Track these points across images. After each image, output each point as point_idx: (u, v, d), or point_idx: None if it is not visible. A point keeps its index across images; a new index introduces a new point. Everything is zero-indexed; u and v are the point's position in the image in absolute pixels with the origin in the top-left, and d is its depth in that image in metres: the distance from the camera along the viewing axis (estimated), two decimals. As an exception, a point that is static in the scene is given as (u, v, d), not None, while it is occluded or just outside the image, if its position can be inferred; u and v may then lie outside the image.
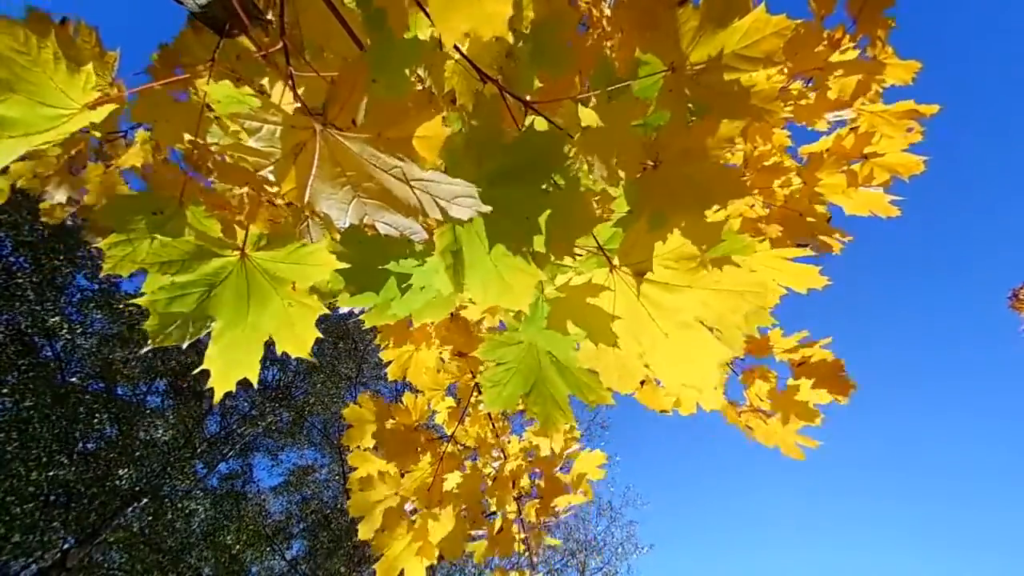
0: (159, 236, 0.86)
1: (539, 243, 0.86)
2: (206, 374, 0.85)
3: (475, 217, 0.85)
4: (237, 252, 0.81)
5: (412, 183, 0.75)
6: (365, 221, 0.76)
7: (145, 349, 0.84)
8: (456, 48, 0.97)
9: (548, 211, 0.82)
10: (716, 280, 0.89)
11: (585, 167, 0.96)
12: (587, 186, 0.97)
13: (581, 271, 1.02)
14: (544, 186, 0.81)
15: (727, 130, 0.93)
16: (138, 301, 0.78)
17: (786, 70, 1.70)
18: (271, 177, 0.72)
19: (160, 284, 0.79)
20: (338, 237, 1.01)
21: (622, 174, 0.96)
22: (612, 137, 0.91)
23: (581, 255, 0.99)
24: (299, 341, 0.85)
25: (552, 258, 0.95)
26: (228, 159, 1.43)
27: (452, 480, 2.02)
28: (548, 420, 1.17)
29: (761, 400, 1.95)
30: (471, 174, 0.81)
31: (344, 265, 0.82)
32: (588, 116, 1.02)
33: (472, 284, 0.92)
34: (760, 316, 0.89)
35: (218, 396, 0.84)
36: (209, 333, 0.84)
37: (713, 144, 0.91)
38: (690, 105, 0.97)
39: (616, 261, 0.95)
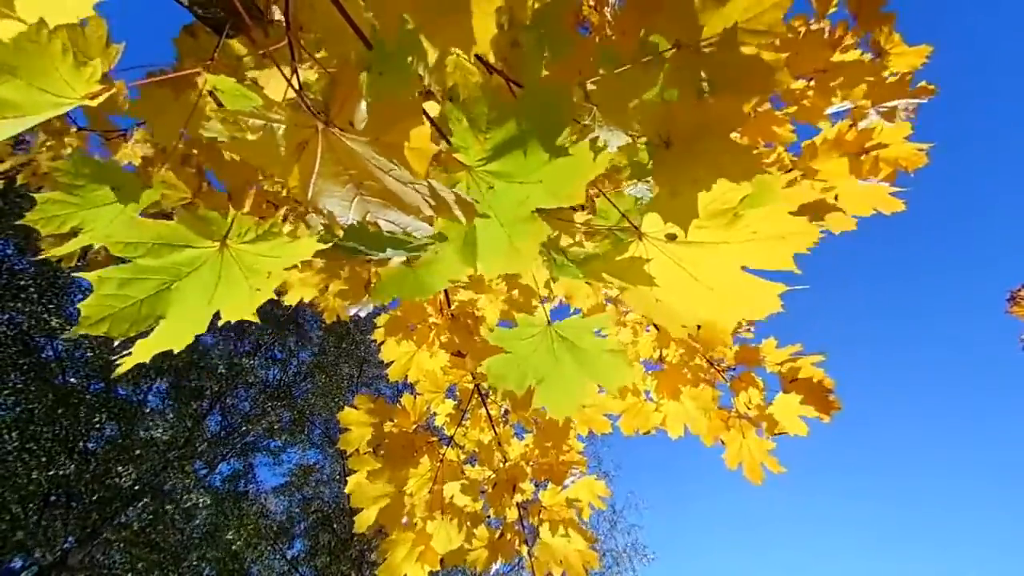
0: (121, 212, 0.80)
1: (553, 198, 0.84)
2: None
3: (486, 195, 0.83)
4: (216, 244, 0.76)
5: (409, 185, 0.75)
6: (368, 219, 0.76)
7: (67, 334, 0.76)
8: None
9: (562, 165, 0.80)
10: (753, 231, 0.87)
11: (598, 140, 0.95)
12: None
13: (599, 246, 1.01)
14: (555, 143, 0.78)
15: (735, 106, 0.92)
16: (86, 275, 0.69)
17: (787, 69, 1.68)
18: (275, 174, 0.71)
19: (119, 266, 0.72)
20: (341, 233, 1.01)
21: (637, 142, 0.95)
22: (623, 108, 0.91)
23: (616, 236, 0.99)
24: (248, 309, 0.81)
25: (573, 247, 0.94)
26: (229, 156, 1.43)
27: (452, 487, 2.01)
28: (559, 406, 1.14)
29: (748, 408, 1.97)
30: (480, 151, 0.80)
31: (326, 246, 0.80)
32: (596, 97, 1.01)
33: (483, 256, 0.91)
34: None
35: (127, 367, 0.75)
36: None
37: (722, 122, 0.90)
38: (700, 83, 0.97)
39: (644, 230, 0.94)
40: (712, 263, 0.93)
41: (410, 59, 0.87)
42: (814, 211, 1.63)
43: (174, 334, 0.79)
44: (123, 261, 0.72)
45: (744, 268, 0.93)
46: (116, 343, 0.75)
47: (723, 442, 2.00)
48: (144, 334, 0.76)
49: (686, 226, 0.88)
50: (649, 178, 1.03)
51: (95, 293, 0.70)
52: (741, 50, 0.95)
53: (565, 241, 1.16)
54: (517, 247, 0.89)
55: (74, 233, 0.81)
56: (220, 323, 0.82)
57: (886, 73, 1.70)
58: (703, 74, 0.98)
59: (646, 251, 0.95)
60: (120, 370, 0.76)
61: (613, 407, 2.13)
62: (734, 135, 0.93)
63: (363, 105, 0.81)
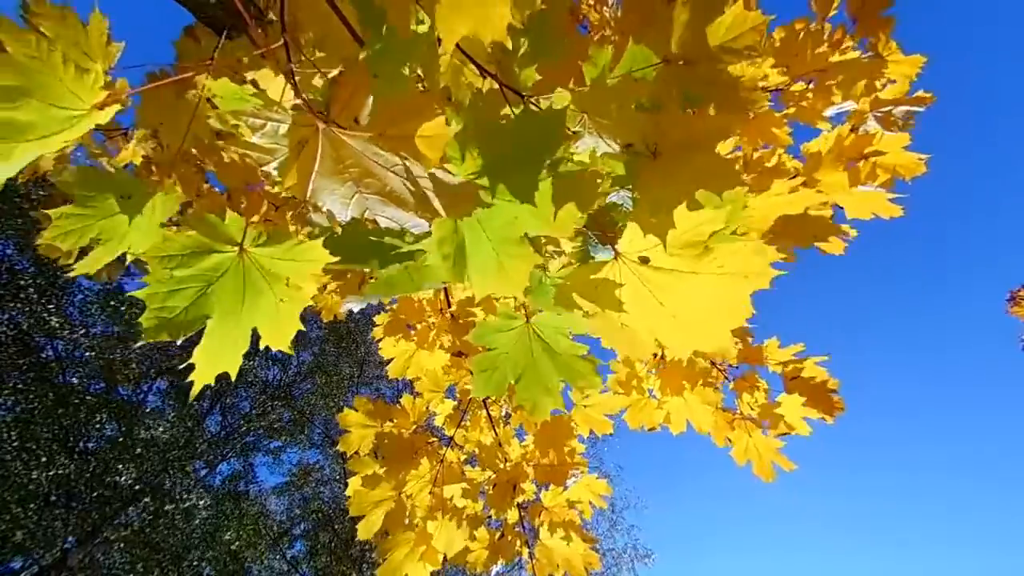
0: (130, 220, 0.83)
1: (542, 225, 0.87)
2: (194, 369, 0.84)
3: (477, 208, 0.85)
4: (236, 248, 0.81)
5: (412, 180, 0.76)
6: (366, 216, 0.78)
7: (139, 344, 0.83)
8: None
9: (551, 192, 0.84)
10: (720, 265, 0.94)
11: (588, 150, 0.98)
12: (584, 163, 0.99)
13: (577, 256, 1.04)
14: (546, 168, 0.82)
15: (722, 121, 0.97)
16: (137, 294, 0.79)
17: (787, 71, 1.69)
18: (274, 172, 0.73)
19: (159, 278, 0.79)
20: (339, 231, 1.03)
21: (619, 148, 0.97)
22: (613, 116, 0.93)
23: (591, 239, 1.02)
24: (283, 335, 0.86)
25: (549, 245, 0.96)
26: (229, 156, 1.43)
27: (453, 489, 2.00)
28: (537, 406, 1.19)
29: (752, 408, 1.96)
30: (472, 165, 0.82)
31: (336, 258, 0.83)
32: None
33: (472, 272, 0.93)
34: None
35: (197, 389, 0.84)
36: (202, 330, 0.84)
37: (709, 135, 0.95)
38: (685, 96, 1.01)
39: (620, 249, 0.99)
40: (679, 291, 0.99)
41: (406, 63, 0.88)
42: (816, 231, 1.65)
43: (224, 349, 0.84)
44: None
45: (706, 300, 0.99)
46: (178, 342, 0.84)
47: (729, 440, 2.00)
48: (198, 338, 0.84)
49: (664, 238, 0.92)
50: (630, 185, 1.05)
51: (148, 309, 0.80)
52: (722, 68, 1.01)
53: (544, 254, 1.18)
54: (506, 269, 0.91)
55: (91, 245, 0.83)
56: (261, 346, 0.87)
57: (884, 79, 1.71)
58: (687, 88, 1.03)
59: (619, 273, 1.00)
60: (193, 393, 0.84)
61: (616, 404, 2.13)
62: (728, 142, 0.96)
63: (369, 102, 0.82)
